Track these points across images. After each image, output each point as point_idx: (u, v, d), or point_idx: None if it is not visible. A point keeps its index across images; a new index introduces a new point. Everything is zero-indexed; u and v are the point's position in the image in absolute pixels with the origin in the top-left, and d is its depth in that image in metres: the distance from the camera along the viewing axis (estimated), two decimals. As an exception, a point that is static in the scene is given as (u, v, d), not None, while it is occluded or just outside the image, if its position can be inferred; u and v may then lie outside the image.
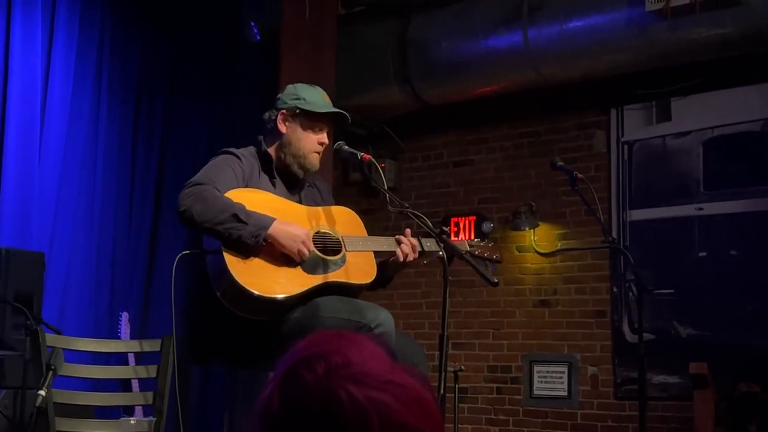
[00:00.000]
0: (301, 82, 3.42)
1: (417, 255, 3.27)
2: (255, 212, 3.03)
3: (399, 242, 3.25)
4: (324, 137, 3.31)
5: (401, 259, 3.23)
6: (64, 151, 5.21)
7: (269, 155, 3.29)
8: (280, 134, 3.29)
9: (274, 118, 3.31)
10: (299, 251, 3.04)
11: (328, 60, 5.95)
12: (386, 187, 3.25)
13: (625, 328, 5.90)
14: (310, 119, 3.28)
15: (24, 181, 4.95)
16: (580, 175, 4.04)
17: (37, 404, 3.11)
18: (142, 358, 4.58)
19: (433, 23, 6.09)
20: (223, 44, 6.29)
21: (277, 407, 0.98)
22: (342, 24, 6.23)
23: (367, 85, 6.19)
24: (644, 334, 4.02)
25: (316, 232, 3.20)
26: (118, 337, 5.10)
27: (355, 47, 6.30)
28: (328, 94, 3.41)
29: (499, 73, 5.90)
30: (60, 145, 5.19)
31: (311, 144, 3.27)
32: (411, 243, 3.24)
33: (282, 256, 3.07)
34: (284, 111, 3.29)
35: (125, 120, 5.67)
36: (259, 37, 6.05)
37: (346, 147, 3.28)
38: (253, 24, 6.05)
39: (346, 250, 3.21)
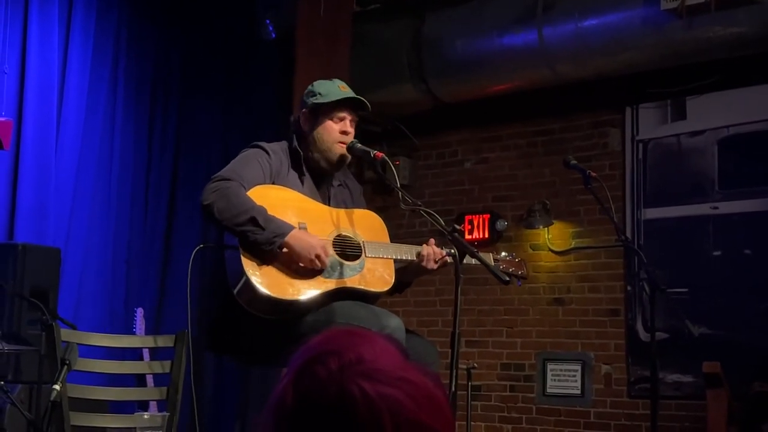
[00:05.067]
0: (318, 80, 3.43)
1: (437, 266, 3.28)
2: (275, 218, 3.04)
3: (420, 252, 3.26)
4: (346, 125, 3.30)
5: (422, 263, 3.25)
6: (81, 148, 5.25)
7: (299, 152, 3.30)
8: (305, 134, 3.32)
9: (298, 119, 3.35)
10: (312, 262, 3.04)
11: (342, 57, 5.96)
12: (399, 185, 3.26)
13: (639, 326, 5.88)
14: (326, 111, 3.29)
15: (40, 177, 4.98)
16: (593, 174, 4.04)
17: (51, 399, 3.12)
18: (156, 354, 4.60)
19: (448, 21, 6.08)
20: (239, 42, 6.31)
21: (291, 402, 0.99)
22: (357, 21, 6.24)
23: (381, 83, 6.18)
24: (657, 333, 4.03)
25: (337, 235, 3.20)
26: (133, 333, 5.13)
27: (369, 45, 6.30)
28: (344, 91, 3.41)
29: (514, 72, 5.89)
30: (76, 141, 5.23)
31: (333, 135, 3.28)
32: (434, 252, 3.25)
33: (298, 263, 3.08)
34: (305, 111, 3.33)
35: (141, 116, 5.70)
36: (274, 35, 6.07)
37: (360, 145, 3.29)
38: (268, 22, 6.06)
39: (365, 256, 3.21)
